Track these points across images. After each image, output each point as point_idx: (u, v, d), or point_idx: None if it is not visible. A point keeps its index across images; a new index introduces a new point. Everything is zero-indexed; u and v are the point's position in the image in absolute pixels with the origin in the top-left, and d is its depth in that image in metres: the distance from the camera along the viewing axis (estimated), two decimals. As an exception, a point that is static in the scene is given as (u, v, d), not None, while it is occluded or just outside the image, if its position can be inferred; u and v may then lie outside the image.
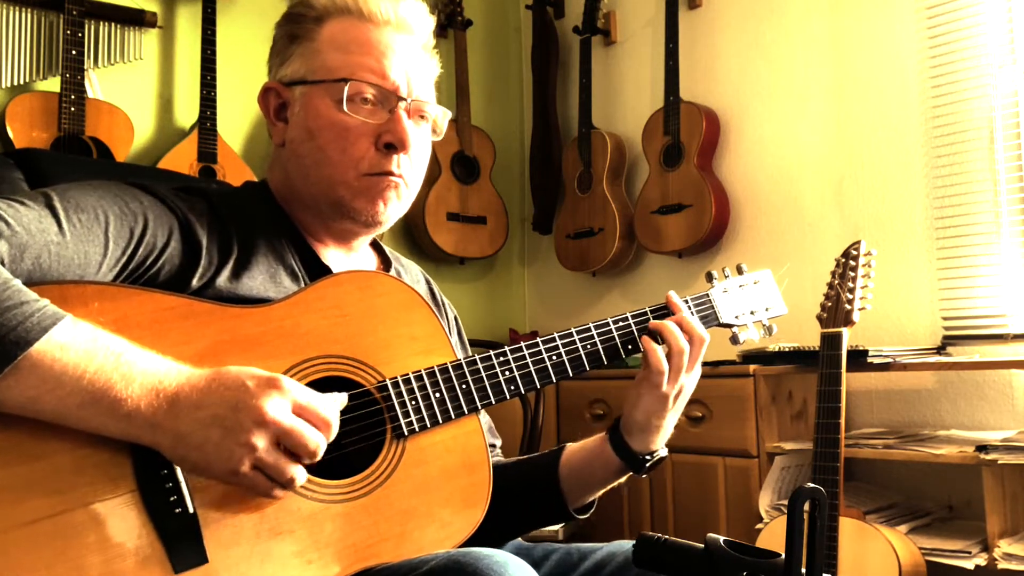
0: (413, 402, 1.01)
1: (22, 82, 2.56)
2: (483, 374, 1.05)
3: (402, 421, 1.00)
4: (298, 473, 0.87)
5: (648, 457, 1.16)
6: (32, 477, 0.82)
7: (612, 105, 3.39)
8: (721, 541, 0.79)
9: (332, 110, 1.05)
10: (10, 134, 2.46)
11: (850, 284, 2.03)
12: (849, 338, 2.06)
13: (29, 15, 2.57)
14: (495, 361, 1.06)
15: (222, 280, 0.99)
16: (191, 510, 0.86)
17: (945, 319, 2.48)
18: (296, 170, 1.08)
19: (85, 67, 2.58)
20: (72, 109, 2.52)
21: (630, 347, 1.14)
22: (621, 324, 1.14)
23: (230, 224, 1.03)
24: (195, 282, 0.97)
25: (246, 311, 0.96)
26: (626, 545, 1.13)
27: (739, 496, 2.45)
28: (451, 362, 1.04)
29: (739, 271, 1.29)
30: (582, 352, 1.12)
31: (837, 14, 2.77)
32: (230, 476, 0.85)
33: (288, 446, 0.86)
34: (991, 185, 2.41)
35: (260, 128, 3.03)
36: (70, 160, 2.01)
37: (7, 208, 0.86)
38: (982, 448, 2.01)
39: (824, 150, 2.79)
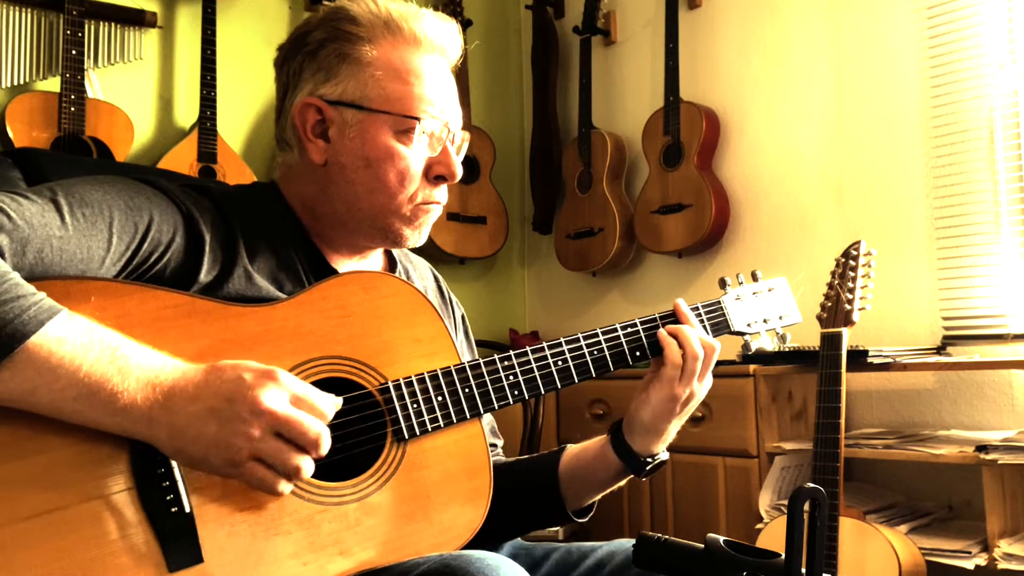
0: (415, 405, 1.00)
1: (22, 82, 2.56)
2: (487, 378, 1.04)
3: (403, 424, 0.99)
4: (304, 463, 0.86)
5: (649, 460, 1.15)
6: (29, 472, 0.82)
7: (612, 105, 3.39)
8: (721, 541, 0.79)
9: (392, 142, 1.04)
10: (10, 134, 2.46)
11: (850, 284, 2.03)
12: (849, 338, 2.06)
13: (29, 15, 2.58)
14: (499, 365, 1.05)
15: (226, 279, 0.98)
16: (187, 509, 0.86)
17: (945, 319, 2.48)
18: (342, 193, 1.06)
19: (85, 67, 2.58)
20: (72, 109, 2.52)
21: (638, 354, 1.13)
22: (630, 331, 1.13)
23: (235, 224, 1.02)
24: (199, 280, 0.96)
25: (249, 310, 0.95)
26: (626, 544, 1.13)
27: (739, 496, 2.45)
28: (454, 365, 1.03)
29: (754, 278, 1.26)
30: (588, 358, 1.10)
31: (837, 14, 2.77)
32: (230, 468, 0.85)
33: (288, 436, 0.85)
34: (991, 185, 2.41)
35: (260, 128, 3.03)
36: (69, 159, 2.01)
37: (9, 202, 0.86)
38: (982, 448, 2.01)
39: (824, 150, 2.79)
